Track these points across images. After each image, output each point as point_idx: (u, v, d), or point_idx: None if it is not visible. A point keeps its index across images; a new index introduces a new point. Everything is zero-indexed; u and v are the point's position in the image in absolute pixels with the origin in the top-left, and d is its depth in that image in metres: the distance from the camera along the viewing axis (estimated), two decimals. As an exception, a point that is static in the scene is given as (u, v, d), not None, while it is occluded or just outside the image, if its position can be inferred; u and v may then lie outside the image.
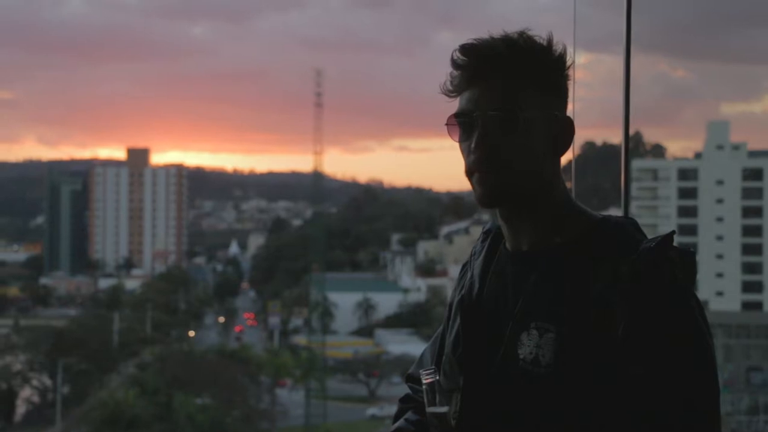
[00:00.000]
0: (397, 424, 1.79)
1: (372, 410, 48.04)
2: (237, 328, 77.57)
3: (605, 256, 1.51)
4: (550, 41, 1.57)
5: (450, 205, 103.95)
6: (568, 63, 1.59)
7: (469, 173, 1.58)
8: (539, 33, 1.58)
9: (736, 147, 66.17)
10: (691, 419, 1.44)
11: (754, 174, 63.74)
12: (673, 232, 1.52)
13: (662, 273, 1.48)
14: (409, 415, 1.79)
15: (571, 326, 1.48)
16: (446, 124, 1.60)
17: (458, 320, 1.65)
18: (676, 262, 1.49)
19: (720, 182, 62.81)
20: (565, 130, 1.58)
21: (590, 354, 1.46)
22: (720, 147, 65.43)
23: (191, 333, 62.30)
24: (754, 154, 67.14)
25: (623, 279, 1.47)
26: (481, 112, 1.56)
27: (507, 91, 1.55)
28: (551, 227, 1.57)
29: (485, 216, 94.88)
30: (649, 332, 1.45)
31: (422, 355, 1.82)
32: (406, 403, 1.83)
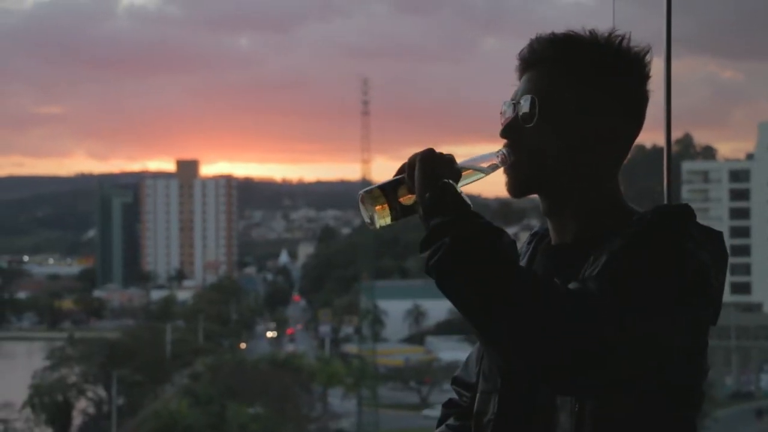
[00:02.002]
0: (439, 430, 1.78)
1: (427, 411, 48.02)
2: (289, 331, 78.33)
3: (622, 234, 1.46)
4: (609, 38, 1.54)
5: (498, 211, 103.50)
6: (637, 65, 1.55)
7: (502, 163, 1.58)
8: (632, 36, 1.55)
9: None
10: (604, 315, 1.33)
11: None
12: (688, 205, 1.48)
13: (651, 231, 1.43)
14: (451, 421, 1.78)
15: None
16: (500, 113, 1.59)
17: None
18: (694, 236, 1.43)
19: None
20: (613, 128, 1.54)
21: None
22: (774, 148, 64.43)
23: (242, 345, 62.67)
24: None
25: (616, 243, 1.43)
26: (513, 101, 1.56)
27: (540, 82, 1.54)
28: (595, 222, 1.54)
29: (534, 221, 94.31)
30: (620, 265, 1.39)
31: (468, 358, 1.80)
32: (449, 408, 1.82)
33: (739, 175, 65.48)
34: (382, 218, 1.47)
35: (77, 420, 45.96)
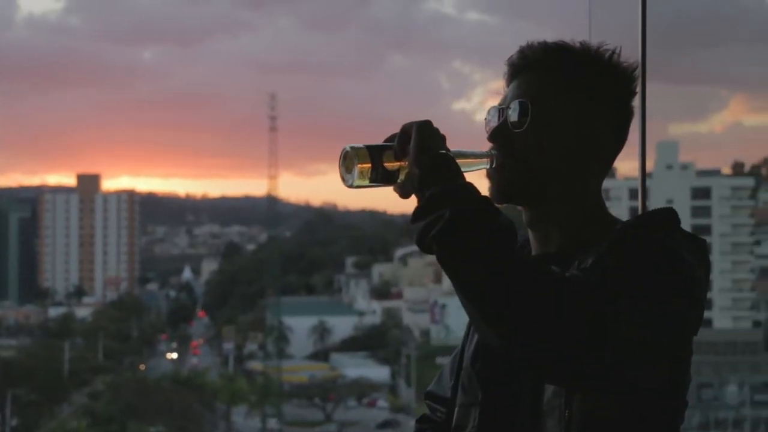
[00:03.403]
0: None
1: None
2: (193, 344, 77.35)
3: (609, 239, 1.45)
4: (599, 50, 1.54)
5: (404, 228, 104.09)
6: (626, 80, 1.54)
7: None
8: (609, 46, 1.55)
9: (684, 167, 67.18)
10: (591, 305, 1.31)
11: (702, 193, 64.73)
12: (672, 208, 1.48)
13: (636, 232, 1.42)
14: None
15: None
16: (485, 118, 1.57)
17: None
18: (678, 240, 1.43)
19: (670, 201, 63.68)
20: (599, 139, 1.53)
21: None
22: (669, 167, 66.38)
23: (142, 366, 61.43)
24: (702, 173, 68.22)
25: (602, 247, 1.41)
26: (500, 106, 1.54)
27: (530, 88, 1.53)
28: (579, 232, 1.53)
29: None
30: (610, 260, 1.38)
31: (441, 372, 1.77)
32: (423, 423, 1.76)
33: (638, 192, 67.32)
34: (360, 178, 1.40)
35: (-31, 442, 44.38)
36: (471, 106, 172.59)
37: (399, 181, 1.41)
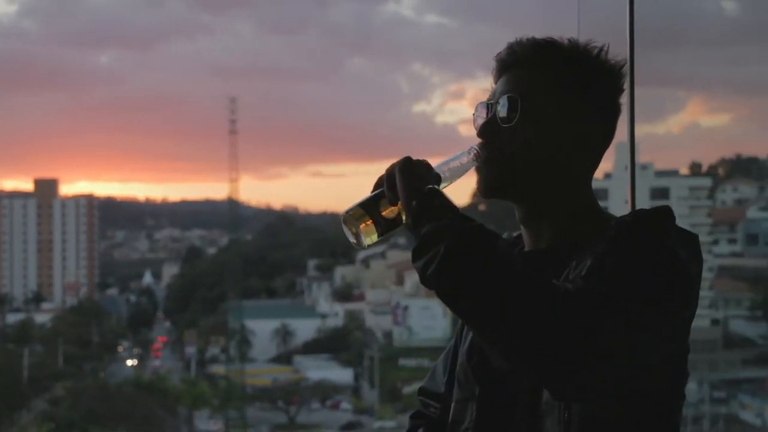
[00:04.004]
0: None
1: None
2: (155, 346, 76.79)
3: (604, 237, 1.47)
4: (587, 47, 1.56)
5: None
6: (614, 77, 1.56)
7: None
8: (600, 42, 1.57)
9: (644, 167, 67.90)
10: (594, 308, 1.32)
11: (660, 193, 65.43)
12: (668, 206, 1.49)
13: (635, 231, 1.43)
14: None
15: None
16: (473, 114, 1.58)
17: None
18: (673, 236, 1.45)
19: (625, 202, 64.39)
20: (589, 136, 1.55)
21: None
22: (628, 168, 67.03)
23: (102, 375, 60.80)
24: (660, 174, 68.98)
25: (600, 244, 1.43)
26: (489, 101, 1.56)
27: (519, 84, 1.54)
28: (572, 228, 1.54)
29: (401, 239, 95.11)
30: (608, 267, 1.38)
31: (435, 368, 1.78)
32: (416, 419, 1.78)
33: (598, 194, 66.98)
34: (368, 236, 1.43)
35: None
36: (431, 108, 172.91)
37: (405, 222, 1.43)
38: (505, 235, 1.67)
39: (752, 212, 65.34)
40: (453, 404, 1.63)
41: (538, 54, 1.55)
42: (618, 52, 1.60)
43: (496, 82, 1.59)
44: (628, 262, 1.38)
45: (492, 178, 1.54)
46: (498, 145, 1.53)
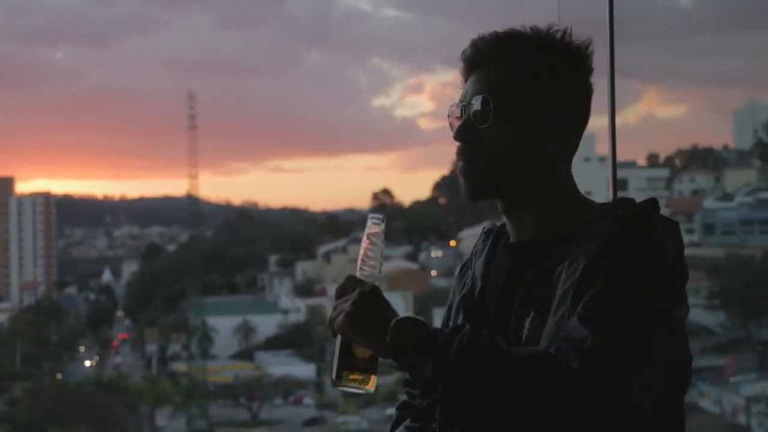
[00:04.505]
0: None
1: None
2: (114, 344, 76.29)
3: (592, 228, 1.48)
4: (550, 33, 1.55)
5: (327, 225, 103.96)
6: (581, 58, 1.56)
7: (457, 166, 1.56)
8: (568, 28, 1.56)
9: (602, 159, 68.39)
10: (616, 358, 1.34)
11: (620, 184, 66.07)
12: (655, 199, 1.51)
13: (637, 235, 1.43)
14: (408, 423, 1.76)
15: (553, 299, 1.45)
16: (447, 116, 1.57)
17: (460, 318, 1.62)
18: (660, 229, 1.46)
19: (589, 193, 64.57)
20: (565, 123, 1.55)
21: (566, 319, 1.42)
22: (587, 159, 67.48)
23: (59, 376, 60.20)
24: (618, 165, 69.48)
25: (592, 242, 1.44)
26: (462, 103, 1.55)
27: (490, 81, 1.53)
28: (554, 218, 1.54)
29: (360, 233, 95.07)
30: (608, 276, 1.40)
31: None
32: (403, 410, 1.79)
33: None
34: (365, 382, 1.44)
35: None
36: (390, 102, 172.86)
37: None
38: (488, 224, 1.67)
39: (709, 202, 66.19)
40: None
41: (503, 48, 1.54)
42: (591, 42, 1.59)
43: (465, 81, 1.58)
44: (629, 277, 1.38)
45: (476, 180, 1.54)
46: (477, 146, 1.53)
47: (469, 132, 1.54)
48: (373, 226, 1.53)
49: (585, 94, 1.58)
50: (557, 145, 1.55)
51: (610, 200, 1.61)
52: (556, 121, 1.54)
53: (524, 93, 1.53)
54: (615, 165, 2.14)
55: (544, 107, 1.53)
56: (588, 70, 1.57)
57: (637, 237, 1.43)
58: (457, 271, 1.71)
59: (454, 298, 1.69)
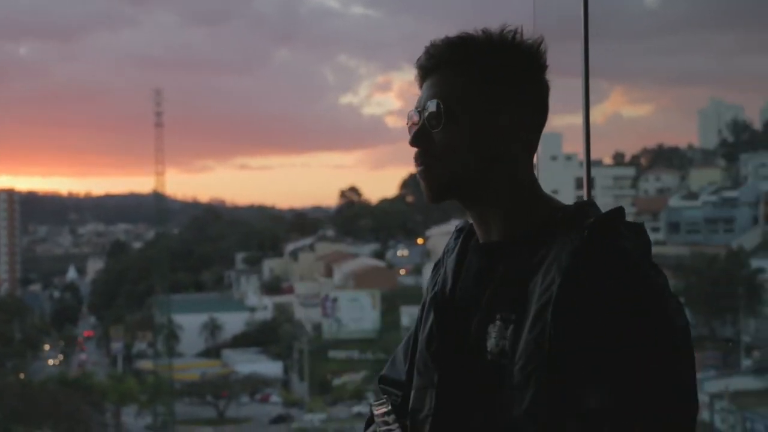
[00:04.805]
0: (371, 429, 1.73)
1: None
2: (79, 340, 75.69)
3: (557, 237, 1.49)
4: (502, 34, 1.56)
5: (294, 223, 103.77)
6: (533, 57, 1.57)
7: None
8: (522, 28, 1.57)
9: (568, 157, 68.85)
10: (661, 405, 1.38)
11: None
12: (622, 207, 1.51)
13: (605, 244, 1.45)
14: None
15: (528, 313, 1.45)
16: (406, 123, 1.59)
17: (431, 316, 1.62)
18: (625, 234, 1.47)
19: (555, 191, 64.77)
20: (521, 123, 1.56)
21: (540, 340, 1.43)
22: (554, 158, 67.95)
23: (21, 375, 59.61)
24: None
25: (564, 255, 1.45)
26: (417, 108, 1.57)
27: (442, 86, 1.55)
28: (517, 218, 1.56)
29: (329, 232, 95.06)
30: (592, 308, 1.41)
31: (395, 355, 1.79)
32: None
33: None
34: None
35: None
36: (358, 100, 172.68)
37: None
38: (461, 222, 1.69)
39: (674, 201, 66.80)
40: (413, 392, 1.63)
41: (455, 53, 1.56)
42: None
43: (421, 88, 1.60)
44: (626, 335, 1.40)
45: (434, 185, 1.56)
46: (432, 152, 1.55)
47: (424, 137, 1.56)
48: (379, 407, 1.59)
49: (541, 92, 1.59)
50: (515, 145, 1.57)
51: (574, 202, 1.61)
52: (512, 122, 1.55)
53: (477, 96, 1.54)
54: (589, 163, 2.15)
55: (498, 108, 1.55)
56: (542, 68, 1.58)
57: (609, 255, 1.44)
58: (431, 269, 1.72)
59: (426, 296, 1.70)
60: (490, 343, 1.49)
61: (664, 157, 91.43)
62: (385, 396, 1.62)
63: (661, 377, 1.38)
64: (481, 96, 1.55)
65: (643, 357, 1.38)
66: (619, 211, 1.51)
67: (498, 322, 1.49)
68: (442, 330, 1.59)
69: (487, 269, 1.56)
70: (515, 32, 1.57)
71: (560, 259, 1.45)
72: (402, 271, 75.09)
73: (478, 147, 1.54)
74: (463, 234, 1.67)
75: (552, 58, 1.60)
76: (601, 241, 1.45)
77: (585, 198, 1.98)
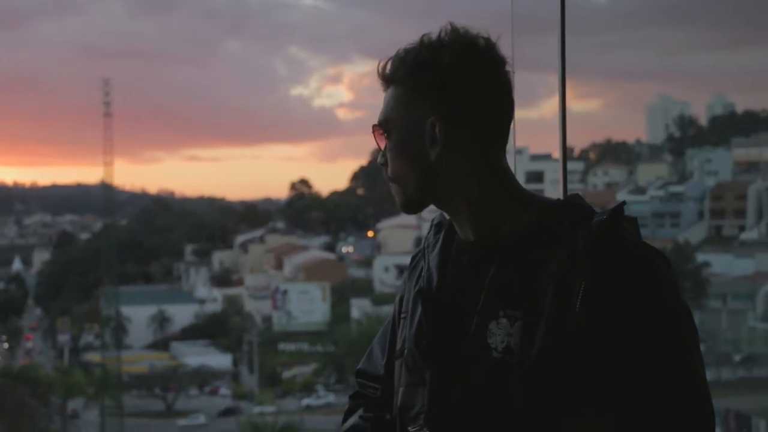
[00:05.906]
0: (351, 422, 1.74)
1: (183, 422, 47.09)
2: (28, 337, 74.82)
3: (561, 235, 1.50)
4: (453, 40, 1.55)
5: (244, 214, 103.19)
6: (483, 56, 1.56)
7: None
8: (477, 28, 1.56)
9: (519, 151, 69.13)
10: (683, 403, 1.43)
11: (535, 176, 67.04)
12: (624, 202, 1.54)
13: (618, 242, 1.48)
14: (362, 412, 1.74)
15: (539, 311, 1.46)
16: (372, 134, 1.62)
17: (419, 312, 1.61)
18: (628, 230, 1.51)
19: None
20: (481, 124, 1.55)
21: (559, 339, 1.44)
22: (506, 151, 68.44)
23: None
24: (535, 157, 70.65)
25: (579, 255, 1.46)
26: (378, 123, 1.59)
27: (387, 105, 1.58)
28: (493, 216, 1.56)
29: (280, 224, 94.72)
30: (615, 308, 1.44)
31: (371, 349, 1.78)
32: (356, 399, 1.78)
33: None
34: None
35: None
36: (308, 92, 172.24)
37: None
38: (437, 217, 1.69)
39: (622, 195, 67.58)
40: (401, 389, 1.62)
41: (396, 70, 1.57)
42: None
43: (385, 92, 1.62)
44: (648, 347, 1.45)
45: (401, 199, 1.59)
46: (390, 167, 1.58)
47: (381, 156, 1.60)
48: None
49: (497, 88, 1.57)
50: (477, 147, 1.56)
51: (562, 198, 1.63)
52: (464, 125, 1.54)
53: (415, 108, 1.55)
54: (566, 157, 2.14)
55: (446, 116, 1.54)
56: (498, 63, 1.56)
57: (627, 254, 1.48)
58: (381, 262, 1.72)
59: (406, 291, 1.69)
60: (495, 341, 1.49)
61: (612, 152, 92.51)
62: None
63: (683, 368, 1.45)
64: (421, 108, 1.54)
65: (671, 353, 1.45)
66: (622, 208, 1.53)
67: (503, 320, 1.49)
68: (433, 327, 1.58)
69: (478, 268, 1.55)
70: (462, 31, 1.55)
71: (575, 259, 1.47)
72: (354, 256, 75.15)
73: (436, 157, 1.54)
74: (444, 230, 1.66)
75: (507, 53, 1.59)
76: (614, 239, 1.48)
77: (562, 192, 1.99)
